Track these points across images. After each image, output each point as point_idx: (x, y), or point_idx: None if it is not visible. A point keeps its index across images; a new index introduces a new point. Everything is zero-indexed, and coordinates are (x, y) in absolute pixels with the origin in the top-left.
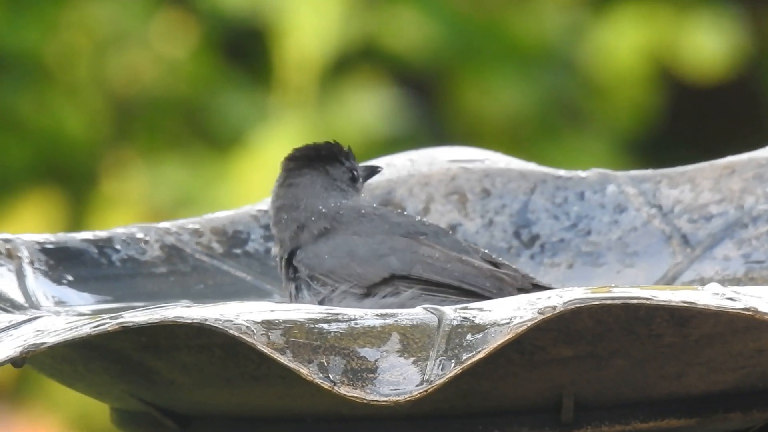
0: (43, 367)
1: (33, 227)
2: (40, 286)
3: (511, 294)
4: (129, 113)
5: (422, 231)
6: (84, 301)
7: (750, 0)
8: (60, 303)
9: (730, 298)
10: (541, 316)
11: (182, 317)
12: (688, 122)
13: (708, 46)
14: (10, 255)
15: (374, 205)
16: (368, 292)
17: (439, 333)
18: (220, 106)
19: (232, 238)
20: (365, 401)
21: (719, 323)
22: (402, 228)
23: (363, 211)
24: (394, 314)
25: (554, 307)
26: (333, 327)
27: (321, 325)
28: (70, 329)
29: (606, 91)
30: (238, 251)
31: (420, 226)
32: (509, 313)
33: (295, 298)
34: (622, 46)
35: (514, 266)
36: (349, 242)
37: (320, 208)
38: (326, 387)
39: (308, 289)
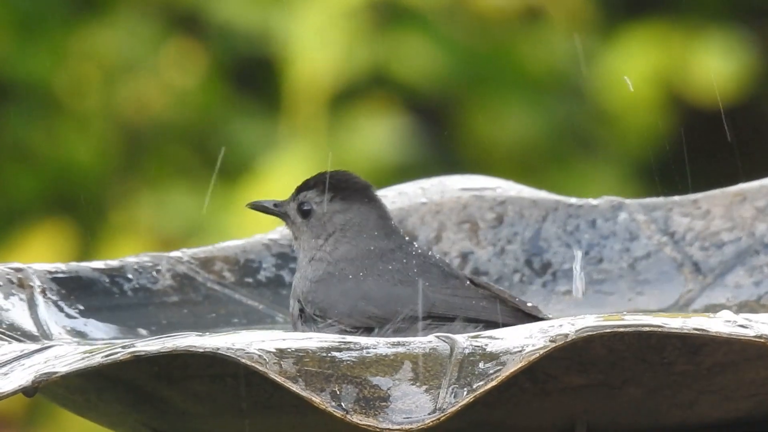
0: (56, 397)
1: (43, 257)
2: (51, 316)
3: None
4: (138, 142)
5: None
6: (96, 331)
7: (758, 22)
8: (72, 332)
9: (742, 326)
10: (554, 344)
11: (194, 346)
12: (698, 146)
13: (717, 69)
14: (22, 284)
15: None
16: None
17: (452, 361)
18: (229, 134)
19: (244, 267)
20: (378, 430)
21: (731, 351)
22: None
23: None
24: (407, 342)
25: (566, 335)
26: (345, 355)
27: (333, 353)
28: (82, 359)
29: (616, 118)
30: (249, 280)
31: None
32: (521, 342)
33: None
34: (631, 71)
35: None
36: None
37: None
38: (339, 415)
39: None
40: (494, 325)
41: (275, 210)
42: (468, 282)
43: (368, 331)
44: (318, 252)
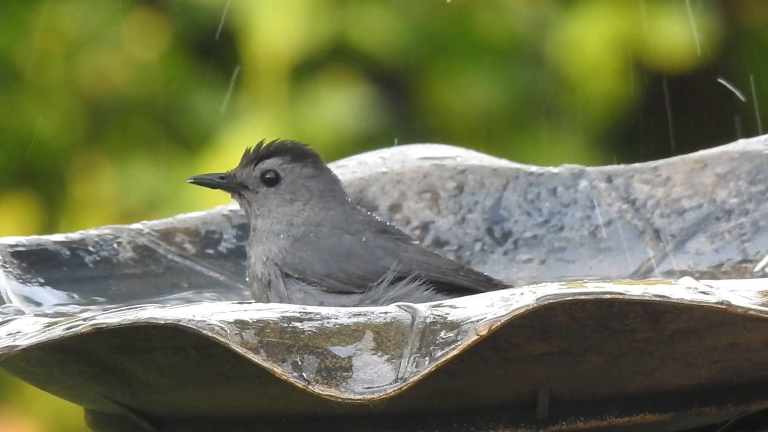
0: (18, 371)
1: (6, 230)
2: (12, 289)
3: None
4: (100, 115)
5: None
6: (58, 304)
7: None
8: (33, 306)
9: (703, 292)
10: (515, 313)
11: (155, 318)
12: (660, 113)
13: (679, 34)
14: None
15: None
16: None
17: (413, 330)
18: (191, 106)
19: (205, 239)
20: (339, 400)
21: (693, 318)
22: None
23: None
24: (368, 312)
25: (528, 304)
26: (306, 326)
27: (294, 324)
28: (44, 331)
29: (577, 85)
30: (210, 251)
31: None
32: (483, 310)
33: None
34: (592, 38)
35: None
36: (342, 242)
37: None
38: (300, 386)
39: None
40: (468, 290)
41: (223, 183)
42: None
43: (352, 293)
44: (296, 217)
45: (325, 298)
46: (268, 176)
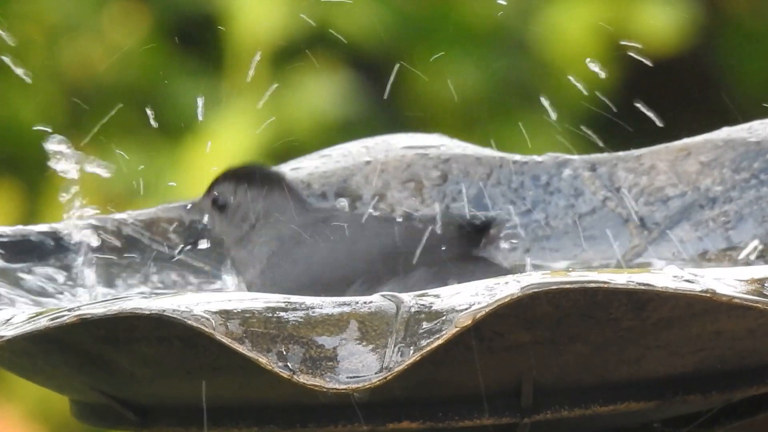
0: (2, 361)
1: None
2: None
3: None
4: (82, 102)
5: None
6: (42, 295)
7: None
8: (17, 296)
9: (688, 281)
10: (499, 302)
11: (140, 308)
12: (642, 99)
13: (661, 20)
14: None
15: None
16: None
17: (398, 320)
18: (172, 93)
19: (189, 228)
20: (324, 389)
21: (677, 306)
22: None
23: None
24: (352, 302)
25: (512, 293)
26: (291, 315)
27: (279, 314)
28: (28, 322)
29: (559, 71)
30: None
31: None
32: (467, 300)
33: None
34: (575, 24)
35: None
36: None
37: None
38: (285, 376)
39: None
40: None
41: (188, 212)
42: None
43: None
44: (244, 242)
45: None
46: (219, 202)
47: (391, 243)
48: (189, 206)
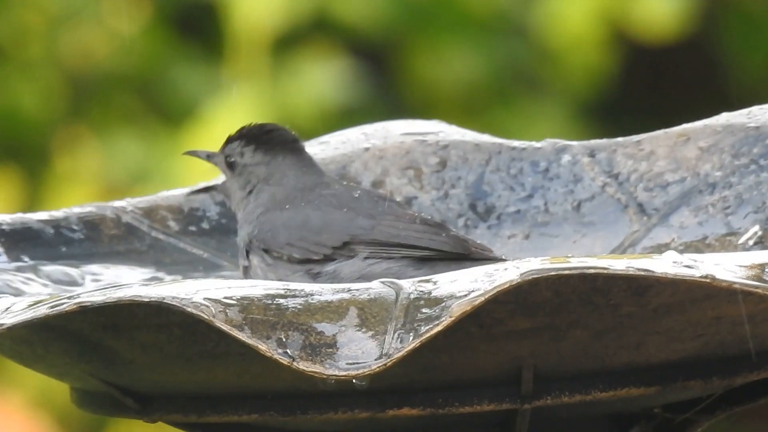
0: (2, 349)
1: None
2: None
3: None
4: (83, 89)
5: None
6: (42, 282)
7: None
8: (17, 284)
9: (687, 266)
10: (499, 288)
11: (140, 296)
12: (642, 85)
13: (661, 6)
14: None
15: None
16: (325, 259)
17: (397, 306)
18: (173, 80)
19: (188, 216)
20: (324, 376)
21: (677, 292)
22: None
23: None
24: (352, 288)
25: (512, 279)
26: (290, 302)
27: (278, 300)
28: (28, 310)
29: (560, 57)
30: (194, 228)
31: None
32: (467, 286)
33: (247, 271)
34: (575, 10)
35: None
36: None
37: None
38: (285, 363)
39: (262, 262)
40: (437, 254)
41: (209, 160)
42: (414, 215)
43: (312, 261)
44: (244, 203)
45: (284, 268)
46: (230, 161)
47: (368, 224)
48: (208, 156)
